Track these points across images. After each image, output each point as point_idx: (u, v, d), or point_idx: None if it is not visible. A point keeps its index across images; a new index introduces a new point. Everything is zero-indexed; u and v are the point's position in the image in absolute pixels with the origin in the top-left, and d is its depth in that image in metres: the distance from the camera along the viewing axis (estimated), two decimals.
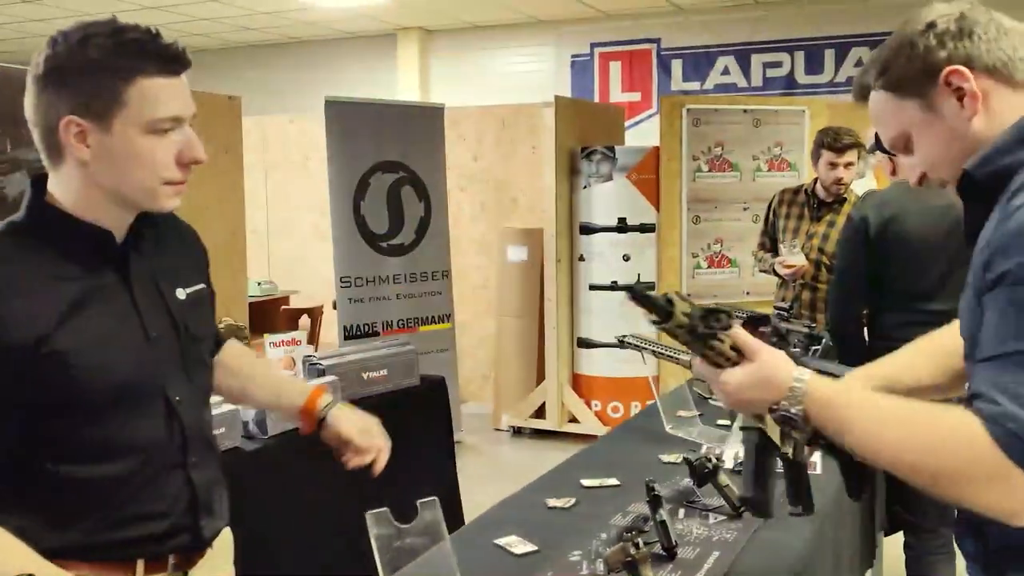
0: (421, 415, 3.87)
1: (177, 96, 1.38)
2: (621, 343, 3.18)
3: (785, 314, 3.38)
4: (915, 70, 1.28)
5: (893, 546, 3.65)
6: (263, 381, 1.84)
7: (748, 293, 6.17)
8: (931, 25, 1.28)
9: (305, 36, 9.60)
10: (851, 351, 2.97)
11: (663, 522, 1.78)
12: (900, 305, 3.04)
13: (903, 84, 1.31)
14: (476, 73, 9.12)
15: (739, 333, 1.32)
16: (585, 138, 6.33)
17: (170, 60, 1.37)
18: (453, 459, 4.10)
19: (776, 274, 4.23)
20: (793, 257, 4.08)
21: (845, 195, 4.10)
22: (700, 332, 1.29)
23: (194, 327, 1.55)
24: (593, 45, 8.69)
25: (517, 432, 6.46)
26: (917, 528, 3.13)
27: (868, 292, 3.09)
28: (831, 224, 4.10)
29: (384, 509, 1.40)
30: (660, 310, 1.28)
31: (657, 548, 1.78)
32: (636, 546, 1.52)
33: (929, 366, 1.55)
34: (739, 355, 1.33)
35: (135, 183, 1.39)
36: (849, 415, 1.24)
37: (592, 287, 6.21)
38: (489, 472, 5.52)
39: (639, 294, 1.29)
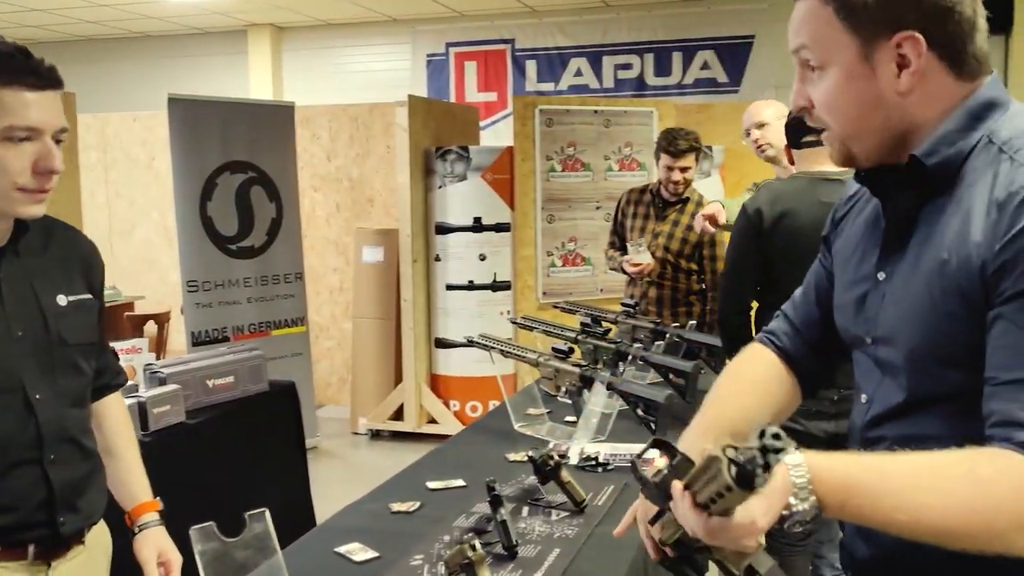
0: (271, 421, 3.78)
1: (37, 108, 1.46)
2: (470, 343, 3.20)
3: (632, 311, 3.47)
4: (873, 8, 1.13)
5: None
6: (118, 464, 1.84)
7: (601, 290, 6.29)
8: None
9: (152, 31, 9.21)
10: (737, 344, 2.99)
11: (503, 522, 1.78)
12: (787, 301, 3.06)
13: (854, 12, 1.14)
14: (331, 71, 8.96)
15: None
16: (440, 138, 6.32)
17: (29, 74, 1.45)
18: (305, 465, 4.02)
19: (625, 272, 4.32)
20: (639, 256, 4.18)
21: (687, 195, 4.22)
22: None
23: (69, 333, 1.63)
24: (448, 45, 8.68)
25: (375, 435, 6.39)
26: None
27: (757, 286, 3.00)
28: (675, 223, 4.22)
29: (210, 523, 1.35)
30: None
31: (499, 548, 1.80)
32: (473, 548, 1.51)
33: (757, 403, 1.44)
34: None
35: None
36: (876, 490, 1.01)
37: (449, 287, 6.21)
38: (347, 477, 5.44)
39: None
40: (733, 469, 0.92)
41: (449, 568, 1.58)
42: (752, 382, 1.48)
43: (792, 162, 3.07)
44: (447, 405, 6.27)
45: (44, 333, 1.60)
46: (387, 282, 6.47)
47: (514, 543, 1.77)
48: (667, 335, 3.31)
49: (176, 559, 1.78)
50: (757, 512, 0.98)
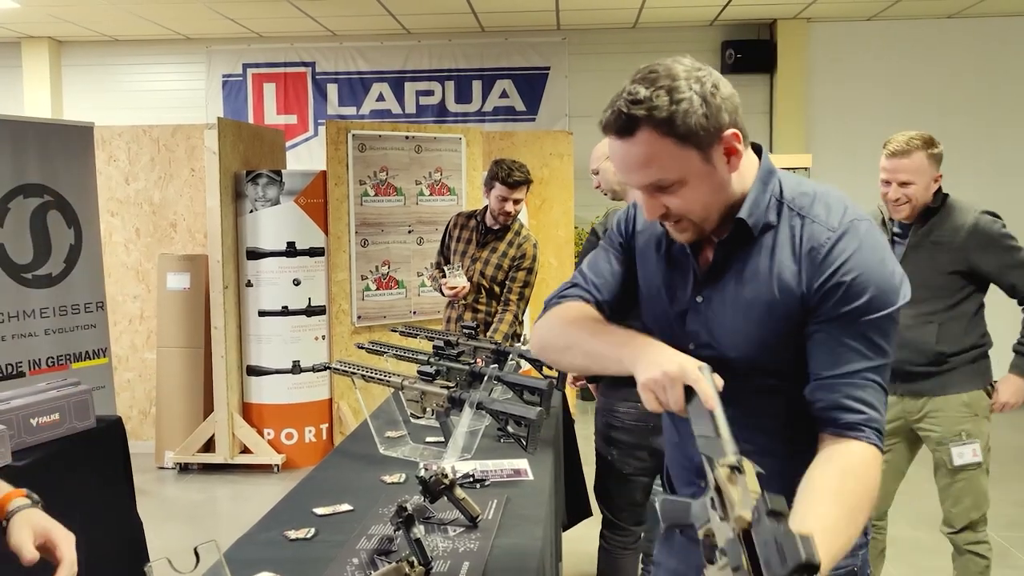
0: (99, 459, 3.59)
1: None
2: (327, 368, 3.21)
3: (473, 332, 3.59)
4: (706, 127, 1.39)
5: (577, 541, 3.99)
6: None
7: (415, 313, 6.40)
8: (716, 87, 1.41)
9: None
10: None
11: (418, 540, 1.84)
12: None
13: (692, 136, 1.39)
14: (119, 89, 8.54)
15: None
16: (248, 161, 6.20)
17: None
18: (134, 502, 3.85)
19: (442, 293, 4.47)
20: (454, 279, 4.34)
21: (510, 224, 4.41)
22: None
23: None
24: (246, 66, 8.51)
25: (183, 469, 6.14)
26: (613, 524, 3.40)
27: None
28: (493, 250, 4.39)
29: (164, 558, 1.33)
30: None
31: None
32: (411, 564, 1.57)
33: None
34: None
35: None
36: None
37: (262, 313, 6.09)
38: (160, 514, 5.21)
39: None
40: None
41: None
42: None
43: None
44: (261, 434, 6.14)
45: None
46: (194, 309, 6.25)
47: (429, 560, 1.84)
48: (509, 355, 3.47)
49: (62, 535, 1.51)
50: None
